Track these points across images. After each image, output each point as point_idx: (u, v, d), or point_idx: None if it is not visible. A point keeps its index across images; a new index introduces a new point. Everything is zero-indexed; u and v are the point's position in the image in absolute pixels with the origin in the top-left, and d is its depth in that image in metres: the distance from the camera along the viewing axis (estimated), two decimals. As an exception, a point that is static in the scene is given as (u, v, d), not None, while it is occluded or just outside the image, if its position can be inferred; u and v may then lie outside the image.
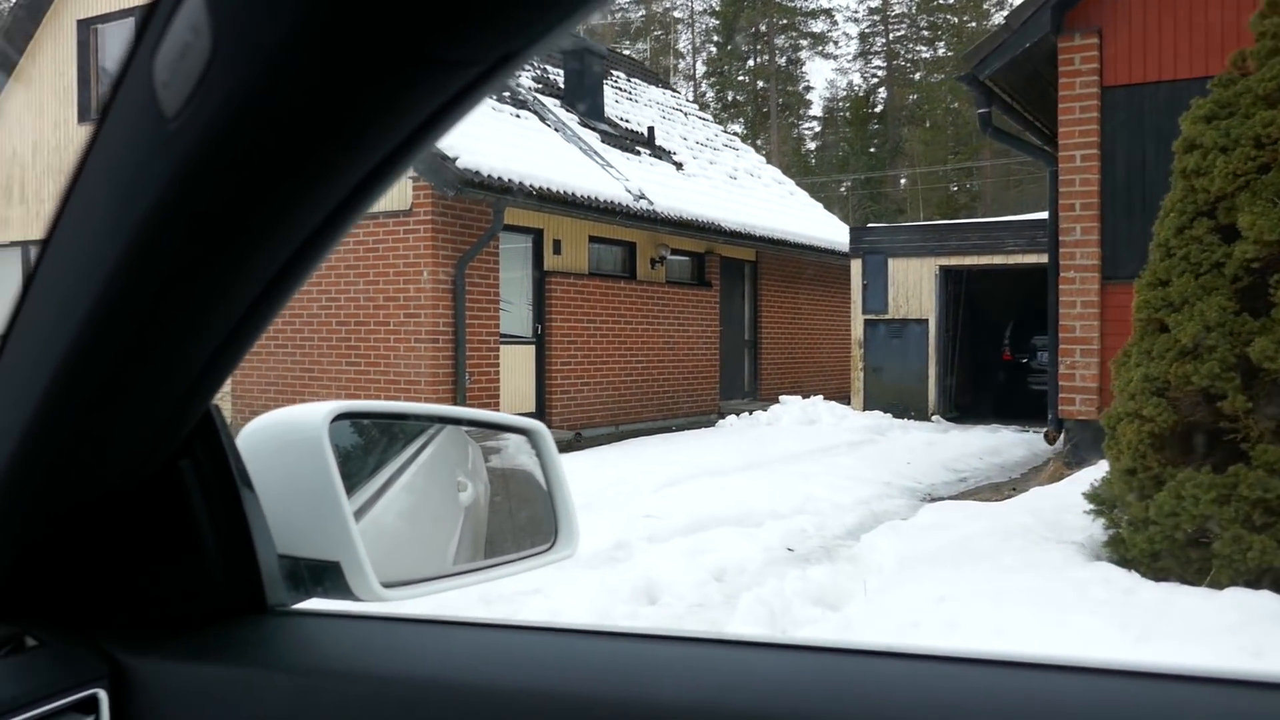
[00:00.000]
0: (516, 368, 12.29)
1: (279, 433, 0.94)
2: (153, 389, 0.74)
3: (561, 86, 15.63)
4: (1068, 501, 6.24)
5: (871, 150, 50.79)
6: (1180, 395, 4.66)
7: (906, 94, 50.41)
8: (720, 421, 15.06)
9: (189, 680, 0.81)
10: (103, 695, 0.79)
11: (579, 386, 13.08)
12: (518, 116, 13.30)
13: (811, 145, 55.19)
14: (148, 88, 0.58)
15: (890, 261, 16.13)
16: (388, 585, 0.93)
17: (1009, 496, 8.64)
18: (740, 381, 17.12)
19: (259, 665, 0.82)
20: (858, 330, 16.59)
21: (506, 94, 13.78)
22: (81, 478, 0.79)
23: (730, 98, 53.23)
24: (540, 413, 12.67)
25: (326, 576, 0.91)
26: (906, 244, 16.07)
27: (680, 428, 14.55)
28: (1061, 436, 9.52)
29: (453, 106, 0.57)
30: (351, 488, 1.01)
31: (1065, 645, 3.26)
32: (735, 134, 22.32)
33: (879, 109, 52.19)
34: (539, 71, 15.74)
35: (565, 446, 12.16)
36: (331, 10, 0.51)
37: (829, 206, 22.35)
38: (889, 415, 15.36)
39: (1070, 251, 9.03)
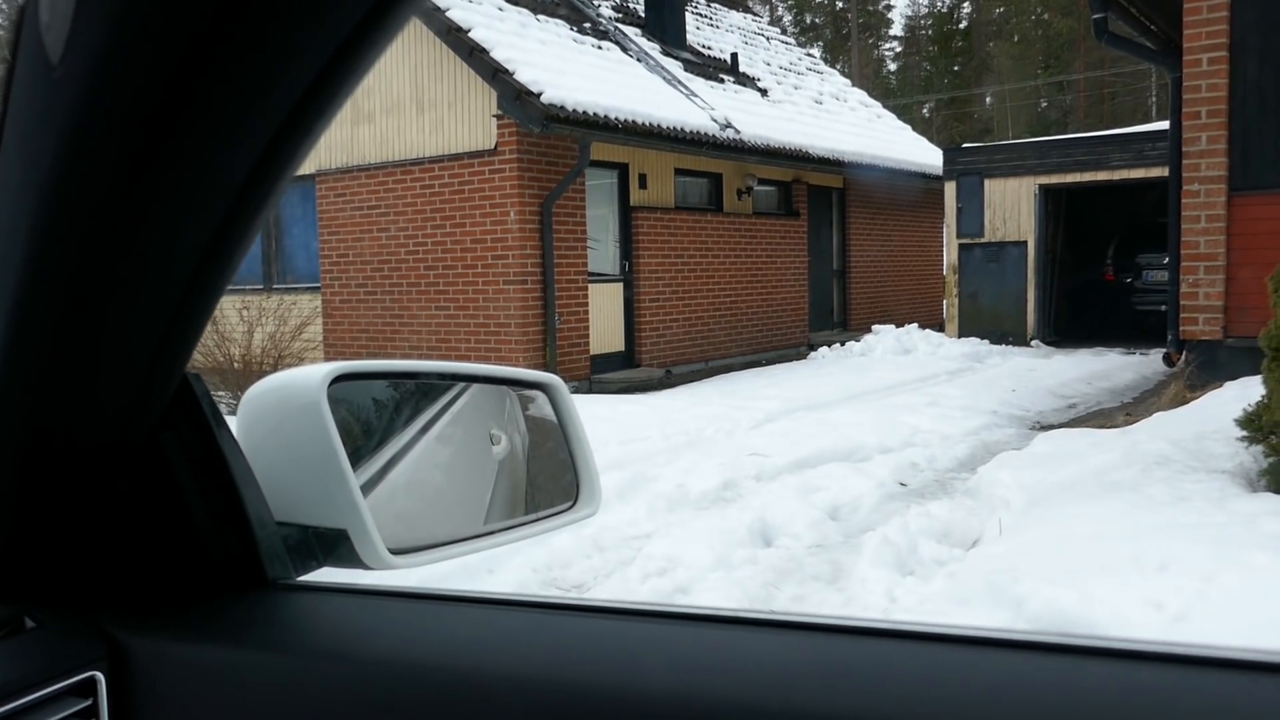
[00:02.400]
0: (605, 306, 12.15)
1: (278, 398, 0.90)
2: (106, 352, 0.71)
3: (642, 15, 15.22)
4: (1204, 428, 5.89)
5: (956, 69, 49.20)
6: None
7: (993, 7, 48.42)
8: (811, 354, 14.81)
9: (185, 659, 0.80)
10: (100, 677, 0.78)
11: (667, 323, 12.90)
12: (599, 48, 12.98)
13: (893, 67, 53.58)
14: (34, 32, 0.54)
15: (986, 183, 15.57)
16: (400, 552, 0.90)
17: (1126, 423, 8.26)
18: (829, 312, 16.79)
19: (254, 644, 0.80)
20: (952, 255, 16.13)
21: (588, 25, 13.44)
22: (55, 443, 0.77)
23: (808, 20, 51.78)
24: (630, 350, 12.55)
25: (335, 545, 0.88)
26: (1004, 163, 15.45)
27: (770, 361, 14.32)
28: (1183, 358, 9.04)
29: (366, 30, 0.52)
30: (374, 449, 1.00)
31: (1249, 584, 3.00)
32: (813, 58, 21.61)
33: (963, 25, 50.36)
34: (619, 0, 15.33)
35: (656, 384, 12.04)
36: None
37: (913, 130, 21.61)
38: (986, 342, 15.18)
39: (1194, 163, 8.44)
